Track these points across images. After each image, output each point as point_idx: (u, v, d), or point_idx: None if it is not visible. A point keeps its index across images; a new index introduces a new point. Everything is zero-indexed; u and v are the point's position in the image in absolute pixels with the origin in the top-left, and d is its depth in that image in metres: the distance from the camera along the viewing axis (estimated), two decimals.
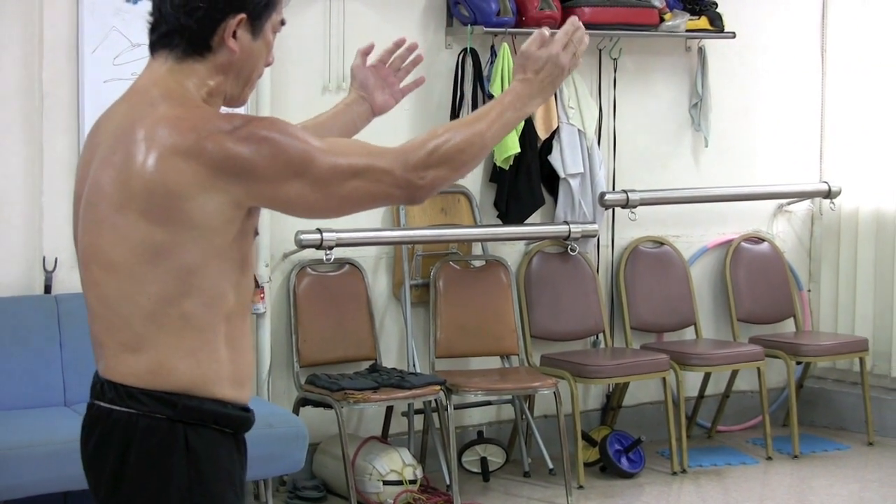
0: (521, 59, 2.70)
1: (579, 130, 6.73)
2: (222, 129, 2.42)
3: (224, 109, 2.61)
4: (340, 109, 3.16)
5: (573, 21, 2.76)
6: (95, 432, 2.54)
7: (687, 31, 6.92)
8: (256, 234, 2.61)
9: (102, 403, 2.52)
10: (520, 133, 6.39)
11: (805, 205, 7.68)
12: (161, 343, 2.47)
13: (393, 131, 6.39)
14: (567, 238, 6.69)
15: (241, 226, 2.49)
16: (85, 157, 2.60)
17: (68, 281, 5.55)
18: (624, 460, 6.50)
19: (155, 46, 2.56)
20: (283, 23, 2.62)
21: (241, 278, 2.55)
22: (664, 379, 6.60)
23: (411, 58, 3.25)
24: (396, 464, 5.88)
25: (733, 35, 7.09)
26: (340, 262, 6.27)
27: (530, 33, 7.12)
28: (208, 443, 2.51)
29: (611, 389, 7.01)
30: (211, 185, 2.41)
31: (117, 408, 2.49)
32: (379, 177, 2.51)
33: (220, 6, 2.50)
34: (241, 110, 2.72)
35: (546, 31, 2.72)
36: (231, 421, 2.55)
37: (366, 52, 3.16)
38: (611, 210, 7.00)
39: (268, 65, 2.64)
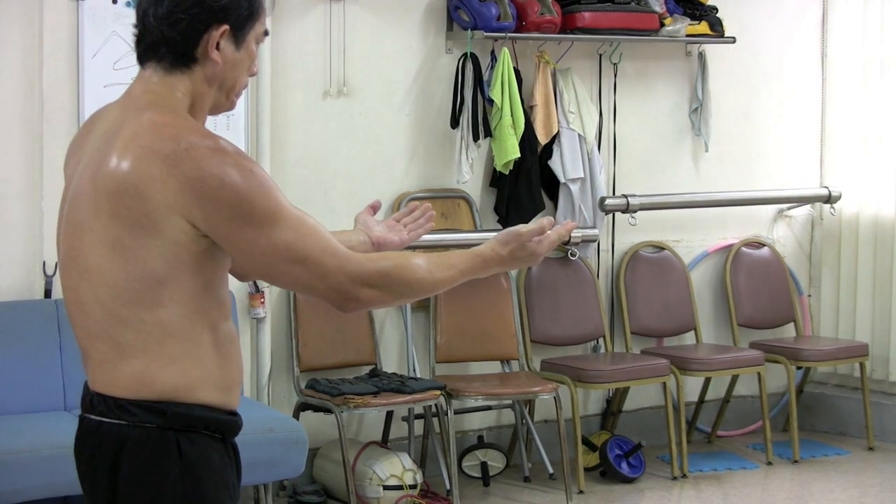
0: (508, 237, 2.72)
1: (579, 135, 6.73)
2: (203, 146, 2.42)
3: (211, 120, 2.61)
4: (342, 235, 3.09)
5: (570, 227, 2.81)
6: (87, 445, 2.55)
7: (687, 35, 6.92)
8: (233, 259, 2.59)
9: (93, 416, 2.53)
10: (520, 138, 6.39)
11: (805, 210, 7.67)
12: (141, 351, 2.47)
13: (393, 136, 6.42)
14: (567, 243, 6.69)
15: (215, 248, 2.48)
16: (73, 158, 2.62)
17: None
18: (624, 465, 6.49)
19: (142, 58, 2.57)
20: (266, 33, 2.62)
21: (221, 291, 2.56)
22: (664, 384, 6.60)
23: (424, 218, 3.13)
24: (396, 469, 5.88)
25: (733, 40, 7.09)
26: None
27: (531, 38, 7.11)
28: (200, 448, 2.51)
29: (611, 394, 7.01)
30: (174, 199, 2.40)
31: (107, 420, 2.50)
32: (324, 273, 2.49)
33: (202, 17, 2.50)
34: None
35: (547, 222, 2.75)
36: (220, 425, 2.55)
37: (375, 208, 3.10)
38: (611, 215, 7.00)
39: (251, 75, 2.63)
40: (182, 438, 2.49)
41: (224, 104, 2.62)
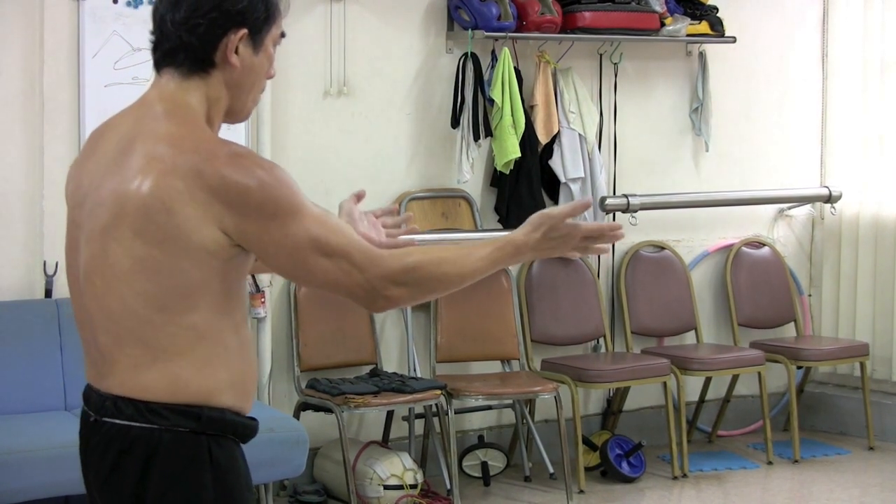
0: (541, 220, 2.63)
1: (580, 135, 6.73)
2: (222, 154, 2.42)
3: (225, 125, 2.61)
4: None
5: (615, 226, 2.68)
6: (111, 451, 2.50)
7: (687, 35, 6.93)
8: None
9: (119, 421, 2.49)
10: (520, 138, 6.39)
11: (806, 209, 7.67)
12: (176, 354, 2.46)
13: (394, 136, 6.42)
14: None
15: (241, 253, 2.49)
16: (86, 165, 2.59)
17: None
18: (625, 465, 6.50)
19: (160, 64, 2.56)
20: (283, 35, 2.62)
21: (243, 293, 2.57)
22: (665, 383, 6.60)
23: (403, 228, 3.08)
24: (397, 468, 5.88)
25: (734, 40, 7.09)
26: None
27: (531, 38, 7.10)
28: (228, 453, 2.52)
29: (611, 394, 7.01)
30: (204, 211, 2.41)
31: (138, 424, 2.47)
32: (348, 269, 2.46)
33: (220, 22, 2.50)
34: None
35: (581, 205, 2.67)
36: (246, 430, 2.57)
37: (359, 198, 3.06)
38: (611, 214, 6.99)
39: (269, 78, 2.63)
40: (213, 443, 2.49)
41: (242, 110, 2.61)
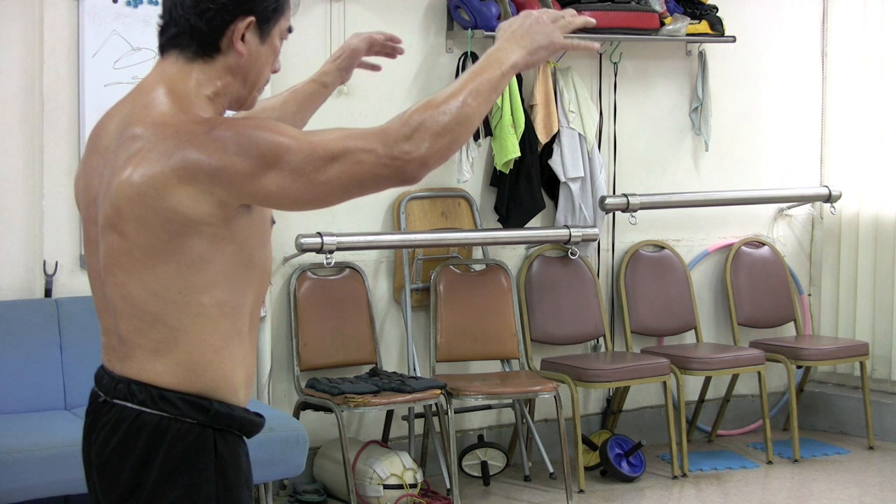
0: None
1: (580, 134, 6.73)
2: (198, 133, 2.43)
3: (229, 113, 2.62)
4: (313, 86, 3.29)
5: (570, 11, 2.61)
6: (117, 433, 2.51)
7: (687, 35, 6.93)
8: (273, 221, 2.60)
9: (130, 404, 2.50)
10: (520, 137, 6.39)
11: (806, 209, 7.68)
12: (197, 333, 2.48)
13: None
14: (567, 242, 6.69)
15: (246, 220, 2.49)
16: (91, 161, 2.60)
17: (69, 285, 5.55)
18: (624, 464, 6.50)
19: (165, 47, 2.58)
20: (290, 30, 2.65)
21: (260, 260, 2.56)
22: (665, 383, 6.61)
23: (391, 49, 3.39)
24: (397, 468, 5.88)
25: (734, 39, 7.10)
26: (341, 266, 6.27)
27: None
28: (232, 448, 2.54)
29: (611, 393, 7.01)
30: (195, 188, 2.41)
31: (148, 410, 2.48)
32: (360, 158, 2.41)
33: (229, 8, 2.52)
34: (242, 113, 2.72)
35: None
36: (252, 426, 2.59)
37: (375, 42, 3.24)
38: (611, 214, 7.00)
39: (274, 71, 2.65)
40: (219, 438, 2.51)
41: (246, 99, 2.62)
